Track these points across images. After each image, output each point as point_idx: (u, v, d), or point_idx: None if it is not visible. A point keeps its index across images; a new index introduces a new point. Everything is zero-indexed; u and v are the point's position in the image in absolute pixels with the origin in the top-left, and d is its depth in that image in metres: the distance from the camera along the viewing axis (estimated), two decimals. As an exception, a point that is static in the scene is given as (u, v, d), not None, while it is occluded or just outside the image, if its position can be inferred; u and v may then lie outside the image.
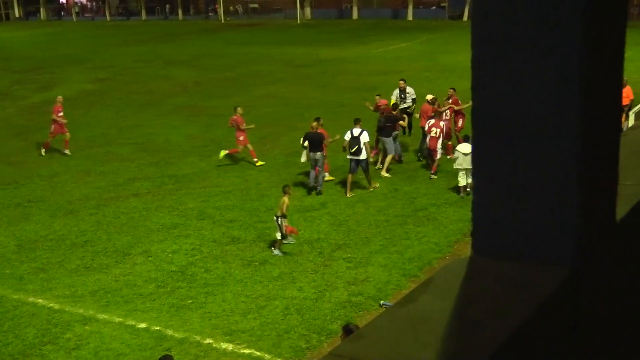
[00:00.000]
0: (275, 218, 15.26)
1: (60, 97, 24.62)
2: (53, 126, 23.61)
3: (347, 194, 18.47)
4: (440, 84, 30.43)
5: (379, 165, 20.21)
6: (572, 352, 1.68)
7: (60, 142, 23.66)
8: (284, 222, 15.06)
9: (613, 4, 1.66)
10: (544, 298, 1.52)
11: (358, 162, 18.50)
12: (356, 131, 18.56)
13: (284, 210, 15.10)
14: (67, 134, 23.66)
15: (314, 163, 18.73)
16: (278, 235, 15.12)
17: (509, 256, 1.67)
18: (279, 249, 15.17)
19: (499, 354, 1.34)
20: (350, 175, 18.61)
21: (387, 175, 19.73)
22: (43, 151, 23.53)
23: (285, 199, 15.25)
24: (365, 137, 18.37)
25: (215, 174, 20.86)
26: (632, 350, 2.25)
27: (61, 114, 23.78)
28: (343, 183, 19.01)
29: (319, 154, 18.66)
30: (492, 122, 1.62)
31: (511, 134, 1.60)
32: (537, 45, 1.54)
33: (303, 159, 19.52)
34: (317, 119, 19.36)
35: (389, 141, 19.97)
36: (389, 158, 20.01)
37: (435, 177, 19.39)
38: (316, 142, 18.70)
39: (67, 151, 23.49)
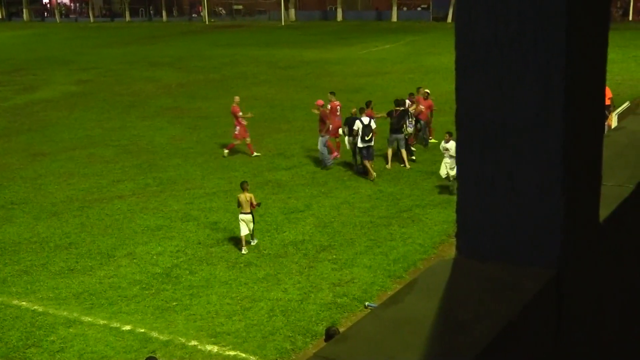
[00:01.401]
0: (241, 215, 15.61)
1: (237, 98, 23.09)
2: (238, 128, 22.42)
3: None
4: (424, 85, 30.42)
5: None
6: (557, 352, 1.69)
7: (244, 145, 22.83)
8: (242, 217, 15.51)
9: (596, 6, 1.67)
10: (528, 299, 1.52)
11: (369, 147, 19.67)
12: (365, 120, 19.70)
13: (253, 203, 15.62)
14: (248, 137, 22.51)
15: (354, 147, 20.19)
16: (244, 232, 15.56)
17: (494, 257, 1.67)
18: (245, 246, 15.52)
19: (484, 355, 1.34)
20: (370, 162, 19.84)
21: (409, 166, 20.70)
22: (226, 152, 22.54)
23: (241, 195, 15.61)
24: (374, 125, 19.71)
25: (199, 175, 20.81)
26: (615, 350, 2.27)
27: (241, 114, 22.54)
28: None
29: (351, 138, 20.14)
30: (476, 124, 1.63)
31: (495, 136, 1.61)
32: (520, 47, 1.54)
33: (347, 146, 20.65)
34: (369, 102, 21.49)
35: (402, 137, 20.78)
36: (404, 153, 20.76)
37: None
38: (352, 127, 20.05)
39: (255, 154, 22.43)
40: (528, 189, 1.61)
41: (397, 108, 20.97)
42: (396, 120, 20.70)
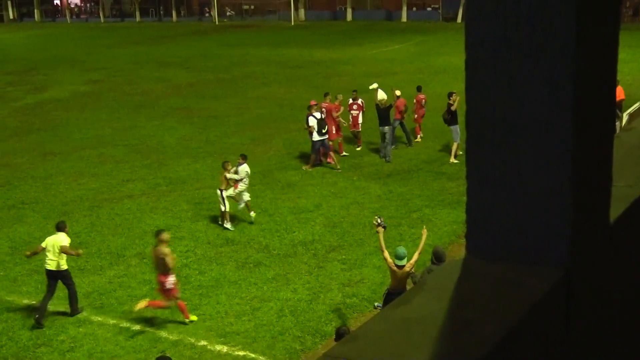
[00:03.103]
0: (218, 192, 16.74)
1: (340, 96, 22.88)
2: (333, 127, 21.83)
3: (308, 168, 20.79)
4: (433, 85, 30.50)
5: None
6: (566, 352, 1.69)
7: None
8: (225, 194, 16.53)
9: (606, 6, 1.67)
10: (538, 299, 1.52)
11: (324, 141, 20.68)
12: (318, 115, 20.73)
13: (224, 185, 16.70)
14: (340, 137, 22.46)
15: (382, 136, 21.40)
16: (222, 208, 16.53)
17: (503, 257, 1.67)
18: (230, 222, 16.35)
19: (493, 355, 1.34)
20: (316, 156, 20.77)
21: (455, 161, 20.80)
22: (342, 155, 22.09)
23: (226, 173, 16.72)
24: (310, 120, 20.55)
25: (209, 175, 20.83)
26: (625, 350, 2.26)
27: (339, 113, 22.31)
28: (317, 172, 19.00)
29: (386, 127, 21.24)
30: (486, 123, 1.63)
31: (505, 136, 1.61)
32: (530, 47, 1.54)
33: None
34: (326, 93, 22.64)
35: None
36: (455, 146, 21.06)
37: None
38: (384, 117, 21.28)
39: (344, 153, 22.26)
40: (538, 190, 1.61)
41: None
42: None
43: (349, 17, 69.50)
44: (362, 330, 1.45)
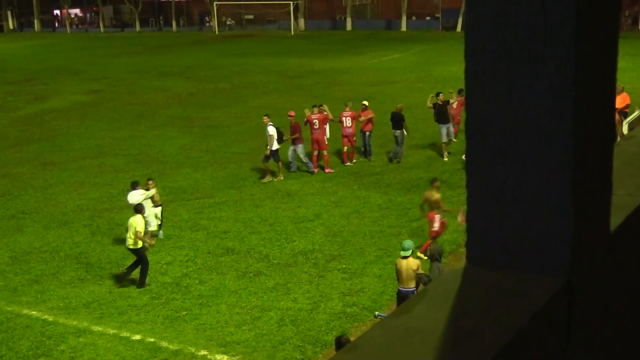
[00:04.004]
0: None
1: (350, 103, 22.96)
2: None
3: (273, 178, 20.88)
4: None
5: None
6: (567, 362, 1.68)
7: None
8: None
9: (605, 14, 1.67)
10: (538, 308, 1.52)
11: (278, 150, 20.94)
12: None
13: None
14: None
15: (395, 139, 22.10)
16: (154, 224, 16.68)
17: (504, 266, 1.67)
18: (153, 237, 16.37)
19: (494, 364, 1.34)
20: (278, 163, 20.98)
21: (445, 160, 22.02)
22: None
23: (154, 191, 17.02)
24: (270, 131, 20.80)
25: (209, 185, 20.86)
26: (626, 359, 2.26)
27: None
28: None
29: (398, 131, 21.91)
30: (486, 132, 1.63)
31: (505, 144, 1.61)
32: (530, 55, 1.54)
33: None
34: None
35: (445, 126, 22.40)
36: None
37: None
38: (397, 121, 22.01)
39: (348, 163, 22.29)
40: (538, 198, 1.61)
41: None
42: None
43: (349, 26, 69.63)
44: (362, 339, 1.44)
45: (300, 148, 21.34)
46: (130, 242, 14.79)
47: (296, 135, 21.30)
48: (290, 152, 21.47)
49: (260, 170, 21.35)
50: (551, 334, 1.61)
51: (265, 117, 21.32)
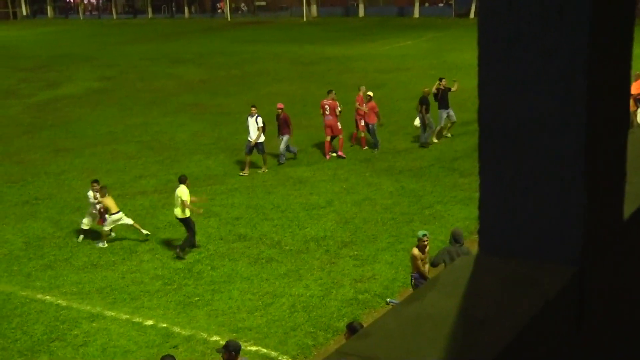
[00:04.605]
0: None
1: (363, 87, 22.90)
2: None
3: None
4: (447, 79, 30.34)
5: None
6: (578, 350, 1.68)
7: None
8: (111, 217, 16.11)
9: (620, 0, 1.66)
10: (550, 296, 1.52)
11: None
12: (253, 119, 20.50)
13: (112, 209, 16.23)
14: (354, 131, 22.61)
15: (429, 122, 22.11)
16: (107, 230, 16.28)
17: (516, 254, 1.67)
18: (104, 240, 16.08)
19: (505, 352, 1.34)
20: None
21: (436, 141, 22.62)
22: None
23: (105, 200, 16.17)
24: (260, 122, 20.37)
25: (221, 172, 20.88)
26: (638, 348, 2.25)
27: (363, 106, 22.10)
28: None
29: (427, 115, 21.98)
30: (499, 120, 1.62)
31: (518, 132, 1.60)
32: (543, 43, 1.54)
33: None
34: None
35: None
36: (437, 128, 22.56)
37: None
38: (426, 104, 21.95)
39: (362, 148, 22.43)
40: (550, 186, 1.60)
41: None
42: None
43: (361, 13, 69.37)
44: (374, 326, 1.45)
45: (286, 139, 20.99)
46: (178, 211, 15.38)
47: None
48: (278, 143, 21.11)
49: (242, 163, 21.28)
50: (563, 322, 1.61)
51: (253, 108, 20.80)
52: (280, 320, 12.40)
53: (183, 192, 15.27)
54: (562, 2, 1.50)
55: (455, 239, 12.37)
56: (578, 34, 1.50)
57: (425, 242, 12.51)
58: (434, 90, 22.92)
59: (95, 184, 16.45)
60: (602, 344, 1.86)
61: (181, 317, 12.71)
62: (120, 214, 16.24)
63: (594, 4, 1.49)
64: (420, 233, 12.72)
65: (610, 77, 1.66)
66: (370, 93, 22.43)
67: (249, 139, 20.49)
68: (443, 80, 22.95)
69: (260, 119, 20.47)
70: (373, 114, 22.01)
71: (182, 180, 15.63)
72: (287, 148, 21.28)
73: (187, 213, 15.40)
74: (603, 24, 1.55)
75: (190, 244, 15.37)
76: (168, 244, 15.87)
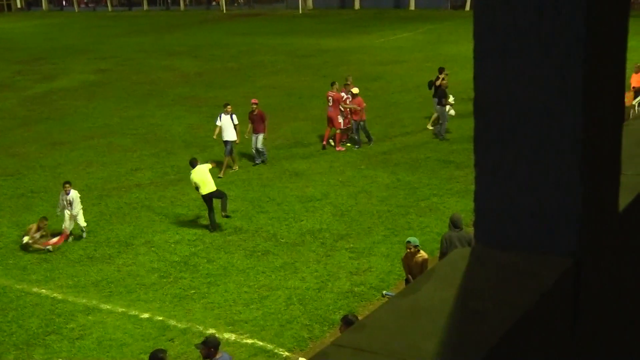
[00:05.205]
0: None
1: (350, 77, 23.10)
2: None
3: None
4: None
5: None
6: (573, 342, 1.69)
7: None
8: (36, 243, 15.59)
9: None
10: (546, 288, 1.52)
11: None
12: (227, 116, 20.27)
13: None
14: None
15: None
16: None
17: (512, 246, 1.67)
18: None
19: (501, 344, 1.34)
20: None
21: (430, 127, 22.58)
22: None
23: (33, 226, 15.77)
24: (236, 120, 20.22)
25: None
26: (634, 341, 2.26)
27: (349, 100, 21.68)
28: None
29: (439, 107, 22.14)
30: (495, 112, 1.62)
31: (514, 124, 1.60)
32: (539, 35, 1.53)
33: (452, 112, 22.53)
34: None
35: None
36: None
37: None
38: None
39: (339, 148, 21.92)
40: (546, 178, 1.60)
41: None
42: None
43: (357, 5, 69.23)
44: (370, 318, 1.45)
45: (261, 137, 20.54)
46: (203, 190, 16.18)
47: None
48: (253, 142, 20.58)
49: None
50: (559, 314, 1.61)
51: (229, 107, 20.40)
52: (276, 313, 12.41)
53: (202, 169, 16.32)
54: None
55: (454, 224, 12.36)
56: (573, 25, 1.50)
57: (410, 249, 12.03)
58: (443, 82, 22.62)
59: (67, 185, 16.40)
60: (598, 335, 1.86)
61: (177, 310, 12.72)
62: (66, 223, 16.07)
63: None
64: (409, 239, 12.37)
65: (606, 70, 1.66)
66: (355, 90, 21.83)
67: (228, 139, 20.00)
68: (443, 72, 22.95)
69: (235, 117, 20.16)
70: (360, 110, 21.57)
71: (192, 163, 16.62)
72: (258, 150, 20.63)
73: (212, 187, 16.27)
74: (598, 15, 1.54)
75: (226, 203, 16.49)
76: (164, 237, 15.86)
